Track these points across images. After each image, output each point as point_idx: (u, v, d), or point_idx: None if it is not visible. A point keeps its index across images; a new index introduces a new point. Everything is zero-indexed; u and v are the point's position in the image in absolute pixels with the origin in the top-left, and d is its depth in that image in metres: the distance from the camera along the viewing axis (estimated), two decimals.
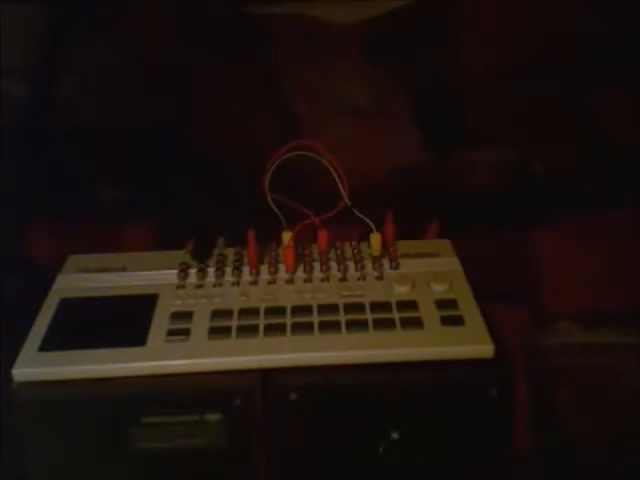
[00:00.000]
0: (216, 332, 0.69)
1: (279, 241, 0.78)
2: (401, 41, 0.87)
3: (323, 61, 0.88)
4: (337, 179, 0.74)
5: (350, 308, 0.71)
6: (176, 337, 0.69)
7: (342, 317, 0.70)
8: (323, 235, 0.78)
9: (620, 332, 0.91)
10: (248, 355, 0.67)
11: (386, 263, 0.77)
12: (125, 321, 0.71)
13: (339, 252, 0.78)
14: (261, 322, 0.70)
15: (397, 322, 0.69)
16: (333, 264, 0.77)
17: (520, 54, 0.88)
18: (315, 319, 0.70)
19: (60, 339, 0.69)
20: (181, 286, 0.75)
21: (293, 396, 0.66)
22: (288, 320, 0.70)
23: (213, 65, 0.88)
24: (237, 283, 0.75)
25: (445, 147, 0.93)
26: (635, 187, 0.90)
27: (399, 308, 0.71)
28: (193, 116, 0.92)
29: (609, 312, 0.92)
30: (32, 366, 0.66)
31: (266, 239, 0.78)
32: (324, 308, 0.71)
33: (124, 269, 0.78)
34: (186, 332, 0.69)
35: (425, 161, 0.93)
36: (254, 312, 0.71)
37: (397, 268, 0.77)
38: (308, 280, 0.76)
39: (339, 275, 0.76)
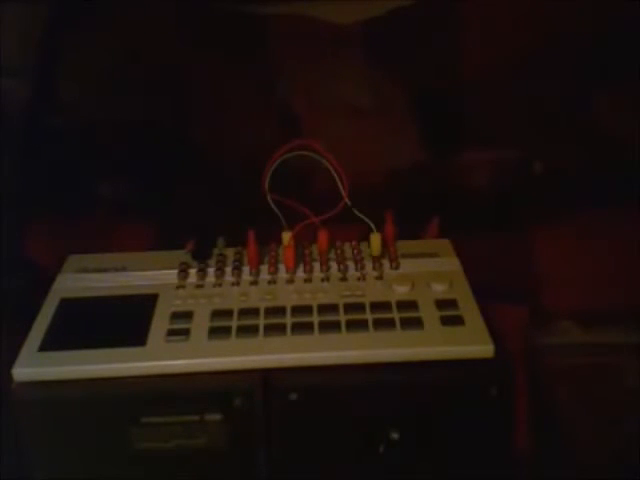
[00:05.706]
0: (216, 332, 0.69)
1: (279, 241, 0.78)
2: (401, 41, 0.87)
3: (323, 61, 0.88)
4: (337, 179, 0.74)
5: (350, 308, 0.71)
6: (176, 337, 0.68)
7: (342, 317, 0.70)
8: (323, 235, 0.78)
9: (620, 332, 0.91)
10: (248, 355, 0.67)
11: (386, 263, 0.77)
12: (125, 321, 0.71)
13: (339, 252, 0.78)
14: (261, 322, 0.70)
15: (397, 322, 0.69)
16: (333, 264, 0.77)
17: (520, 54, 0.88)
18: (315, 319, 0.70)
19: (60, 339, 0.69)
20: (181, 286, 0.75)
21: (293, 396, 0.66)
22: (288, 320, 0.70)
23: (213, 65, 0.88)
24: (237, 283, 0.75)
25: (445, 147, 0.93)
26: (635, 187, 0.90)
27: (399, 308, 0.71)
28: (193, 116, 0.92)
29: (609, 312, 0.92)
30: (32, 366, 0.66)
31: (266, 239, 0.78)
32: (324, 308, 0.71)
33: (124, 269, 0.78)
34: (186, 332, 0.69)
35: (425, 161, 0.93)
36: (254, 312, 0.71)
37: (397, 268, 0.77)
38: (308, 280, 0.76)
39: (339, 275, 0.76)
